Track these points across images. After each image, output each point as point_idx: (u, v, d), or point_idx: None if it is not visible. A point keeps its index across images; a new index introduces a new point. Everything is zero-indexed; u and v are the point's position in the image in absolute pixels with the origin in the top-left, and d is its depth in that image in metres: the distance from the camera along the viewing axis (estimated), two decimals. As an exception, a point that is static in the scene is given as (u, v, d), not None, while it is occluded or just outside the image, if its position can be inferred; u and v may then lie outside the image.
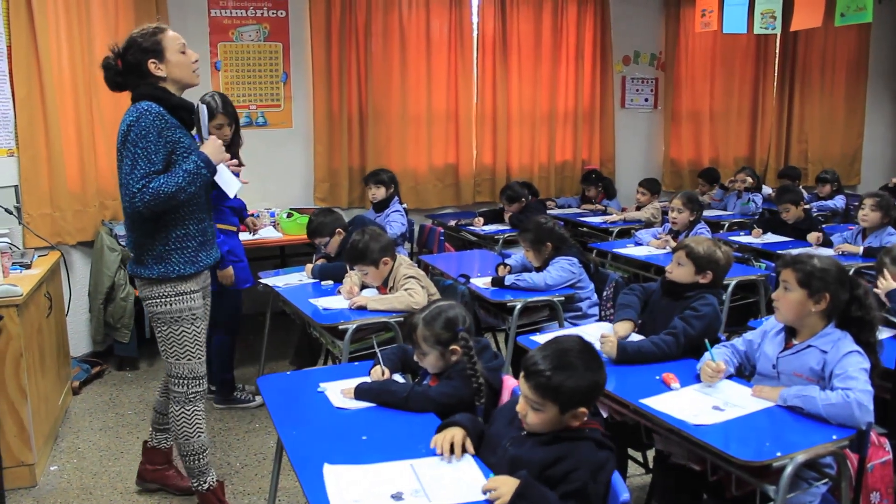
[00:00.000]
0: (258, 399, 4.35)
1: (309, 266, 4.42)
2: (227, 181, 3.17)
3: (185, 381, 3.14)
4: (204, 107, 3.10)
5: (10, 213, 4.19)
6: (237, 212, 4.46)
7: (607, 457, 2.01)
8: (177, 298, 3.02)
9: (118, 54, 2.94)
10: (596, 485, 1.94)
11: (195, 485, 3.24)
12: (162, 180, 2.82)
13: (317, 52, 6.56)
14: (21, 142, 4.69)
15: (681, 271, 3.24)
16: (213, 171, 2.96)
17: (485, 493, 1.91)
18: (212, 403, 4.49)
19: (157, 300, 3.03)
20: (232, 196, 3.26)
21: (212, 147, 2.99)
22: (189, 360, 3.11)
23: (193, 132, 3.12)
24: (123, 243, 5.16)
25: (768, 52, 8.67)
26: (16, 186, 4.58)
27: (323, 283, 4.26)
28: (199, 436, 3.19)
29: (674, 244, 4.48)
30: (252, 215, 5.11)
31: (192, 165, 2.88)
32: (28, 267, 3.98)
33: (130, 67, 2.93)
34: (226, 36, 6.34)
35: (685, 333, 2.95)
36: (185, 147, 2.94)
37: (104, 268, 4.97)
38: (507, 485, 1.88)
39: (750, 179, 7.33)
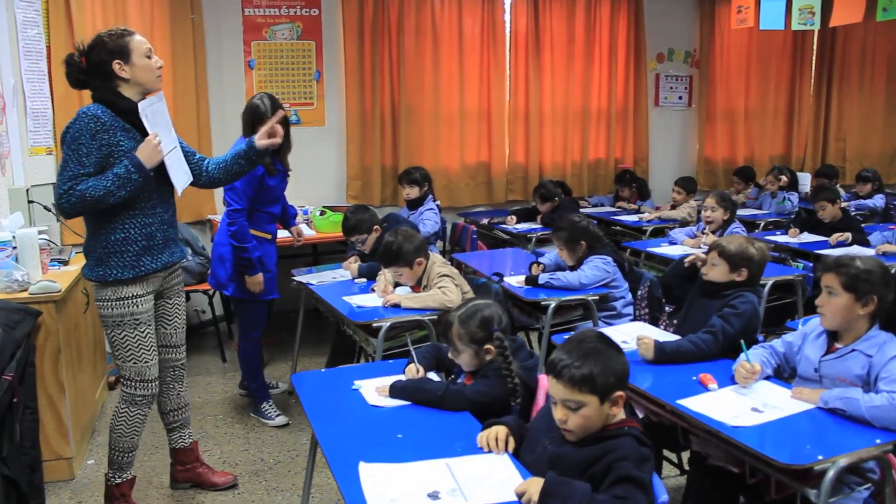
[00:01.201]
0: (279, 419, 4.29)
1: (355, 266, 4.39)
2: (177, 176, 3.10)
3: (132, 383, 3.13)
4: (150, 108, 2.96)
5: (49, 210, 4.25)
6: (277, 218, 4.35)
7: (648, 453, 1.99)
8: (117, 303, 3.00)
9: (83, 52, 2.94)
10: (643, 473, 1.91)
11: (109, 476, 3.23)
12: (90, 183, 2.80)
13: (349, 51, 6.58)
14: (59, 141, 4.76)
15: (716, 271, 3.21)
16: (147, 174, 2.88)
17: (519, 496, 1.90)
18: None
19: (100, 303, 3.03)
20: (179, 193, 3.15)
21: (147, 149, 2.90)
22: (135, 363, 3.09)
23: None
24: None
25: (805, 49, 8.53)
26: (54, 184, 4.63)
27: (356, 280, 4.26)
28: (134, 437, 3.20)
29: (710, 241, 4.43)
30: (296, 217, 4.90)
31: (122, 169, 2.83)
32: (66, 263, 4.03)
33: (94, 66, 2.92)
34: (259, 34, 6.37)
35: (724, 332, 2.92)
36: (125, 151, 2.89)
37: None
38: (536, 485, 1.87)
39: (784, 178, 7.21)
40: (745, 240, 3.25)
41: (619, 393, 2.02)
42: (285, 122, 3.99)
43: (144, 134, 2.93)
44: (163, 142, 2.96)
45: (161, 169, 2.98)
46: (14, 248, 3.57)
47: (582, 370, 2.00)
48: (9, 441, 2.66)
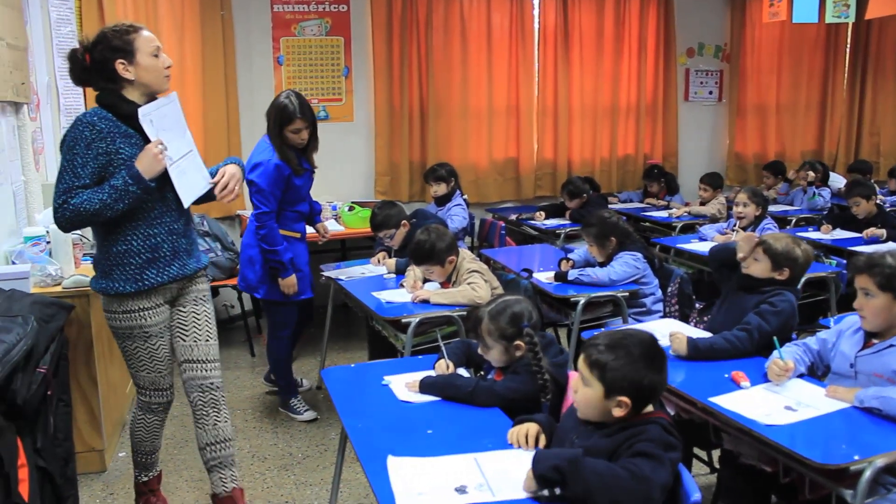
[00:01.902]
0: (307, 414, 4.29)
1: (391, 261, 4.38)
2: (188, 186, 2.84)
3: (147, 392, 3.02)
4: (155, 112, 2.72)
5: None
6: (305, 216, 4.28)
7: (675, 442, 1.96)
8: (124, 315, 2.84)
9: (87, 48, 2.72)
10: (667, 453, 1.88)
11: (137, 474, 3.21)
12: (85, 196, 2.62)
13: (378, 47, 6.58)
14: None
15: (757, 266, 3.17)
16: (146, 186, 2.65)
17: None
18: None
19: (108, 314, 2.88)
20: (186, 205, 2.86)
21: (146, 159, 2.67)
22: (148, 372, 2.96)
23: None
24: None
25: (839, 42, 8.40)
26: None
27: (385, 275, 4.27)
28: (155, 441, 3.14)
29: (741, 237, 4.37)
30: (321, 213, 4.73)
31: (119, 181, 2.63)
32: (98, 258, 4.06)
33: (96, 64, 2.71)
34: (288, 31, 6.40)
35: (760, 329, 2.88)
36: (125, 158, 2.68)
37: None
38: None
39: (812, 174, 7.07)
40: (792, 240, 3.20)
41: (624, 398, 1.97)
42: (312, 121, 4.01)
43: (148, 140, 2.72)
44: (171, 148, 2.73)
45: (167, 177, 2.75)
46: (48, 242, 3.61)
47: (600, 357, 2.00)
48: (43, 433, 2.68)
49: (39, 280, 3.48)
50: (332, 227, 5.64)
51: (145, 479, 3.21)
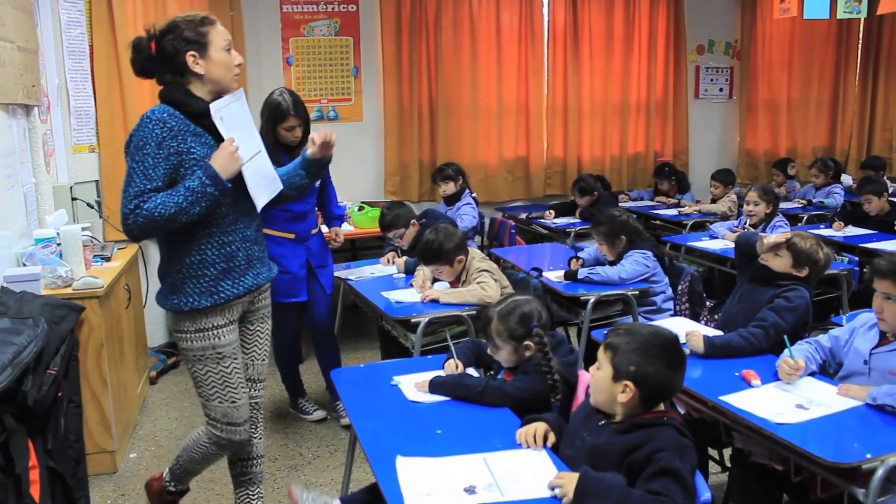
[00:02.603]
0: (317, 414, 4.27)
1: (401, 261, 4.38)
2: (261, 187, 2.68)
3: (219, 426, 2.74)
4: (225, 109, 2.56)
5: (92, 207, 4.32)
6: (300, 217, 4.01)
7: (689, 444, 1.96)
8: (197, 335, 2.62)
9: (153, 36, 2.53)
10: (684, 464, 1.89)
11: (167, 480, 3.01)
12: (159, 200, 2.41)
13: (387, 46, 6.58)
14: (102, 138, 4.86)
15: (778, 261, 3.15)
16: (224, 186, 2.47)
17: (552, 489, 1.88)
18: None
19: (180, 334, 2.66)
20: (259, 208, 2.70)
21: (222, 157, 2.49)
22: (220, 402, 2.70)
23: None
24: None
25: (851, 38, 8.34)
26: (97, 181, 4.73)
27: (395, 275, 4.27)
28: (205, 466, 2.94)
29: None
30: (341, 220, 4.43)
31: (195, 182, 2.43)
32: (108, 259, 4.09)
33: (165, 55, 2.52)
34: (297, 31, 6.41)
35: (776, 326, 2.88)
36: (197, 159, 2.49)
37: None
38: (570, 482, 1.86)
39: (822, 176, 6.98)
40: (817, 242, 3.18)
41: (628, 383, 2.00)
42: (305, 119, 3.92)
43: (219, 139, 2.54)
44: (241, 147, 2.55)
45: (239, 180, 2.56)
46: (58, 244, 3.62)
47: (614, 339, 2.06)
48: (54, 434, 2.69)
49: (50, 282, 3.49)
50: (344, 230, 5.61)
51: (173, 489, 3.02)
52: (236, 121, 2.58)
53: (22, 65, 3.60)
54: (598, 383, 2.08)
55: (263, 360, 2.91)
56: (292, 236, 3.99)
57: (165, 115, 2.48)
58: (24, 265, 3.50)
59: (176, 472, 2.98)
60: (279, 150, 3.87)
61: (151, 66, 2.56)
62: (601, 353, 2.09)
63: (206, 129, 2.54)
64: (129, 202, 2.41)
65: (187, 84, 2.55)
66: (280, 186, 2.77)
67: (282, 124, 3.85)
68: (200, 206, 2.45)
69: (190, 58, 2.50)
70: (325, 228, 4.37)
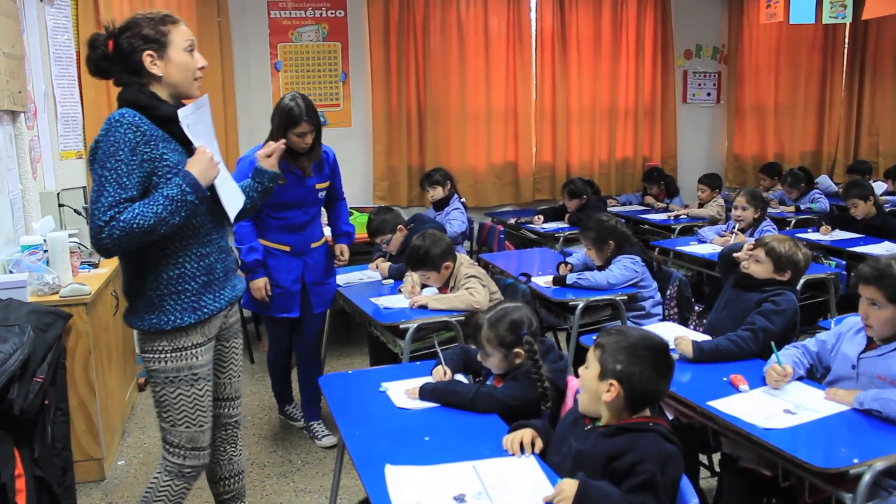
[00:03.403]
0: (301, 423, 4.21)
1: (384, 265, 4.38)
2: (230, 198, 2.53)
3: (181, 451, 2.53)
4: (193, 115, 2.40)
5: (79, 213, 4.29)
6: (297, 229, 3.86)
7: (674, 451, 1.96)
8: (173, 355, 2.43)
9: (111, 34, 2.34)
10: (664, 477, 1.90)
11: None
12: (136, 210, 2.21)
13: (375, 51, 6.59)
14: (89, 144, 4.79)
15: (759, 268, 3.17)
16: (204, 194, 2.32)
17: (549, 502, 1.88)
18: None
19: (151, 355, 2.45)
20: (232, 219, 2.55)
21: (200, 164, 2.33)
22: (188, 427, 2.50)
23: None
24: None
25: (837, 43, 8.40)
26: (84, 188, 4.69)
27: (384, 280, 4.26)
28: None
29: (740, 241, 4.36)
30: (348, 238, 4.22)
31: (174, 190, 2.25)
32: (95, 266, 4.06)
33: (121, 54, 2.33)
34: (285, 37, 6.41)
35: (764, 330, 2.89)
36: (170, 166, 2.31)
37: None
38: (569, 488, 1.85)
39: (793, 190, 6.98)
40: (793, 243, 3.20)
41: (613, 382, 2.02)
42: (317, 126, 3.75)
43: (185, 146, 2.40)
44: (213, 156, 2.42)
45: (210, 189, 2.39)
46: (45, 251, 3.60)
47: (604, 339, 2.09)
48: (41, 443, 2.68)
49: (37, 289, 3.46)
50: (330, 233, 5.59)
51: None
52: (201, 129, 2.44)
53: (8, 71, 3.58)
54: (585, 381, 2.10)
55: (239, 376, 2.76)
56: (287, 248, 3.85)
57: (137, 118, 2.28)
58: (11, 272, 3.47)
59: None
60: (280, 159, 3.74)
61: (106, 66, 2.37)
62: (591, 352, 2.11)
63: (173, 136, 2.37)
64: (102, 214, 2.20)
65: (147, 86, 2.36)
66: (244, 197, 2.63)
67: (293, 130, 3.64)
68: (180, 216, 2.28)
69: (147, 57, 2.32)
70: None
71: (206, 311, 2.45)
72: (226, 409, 2.73)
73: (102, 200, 2.21)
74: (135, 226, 2.20)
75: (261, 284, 3.78)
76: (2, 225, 3.59)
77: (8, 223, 3.67)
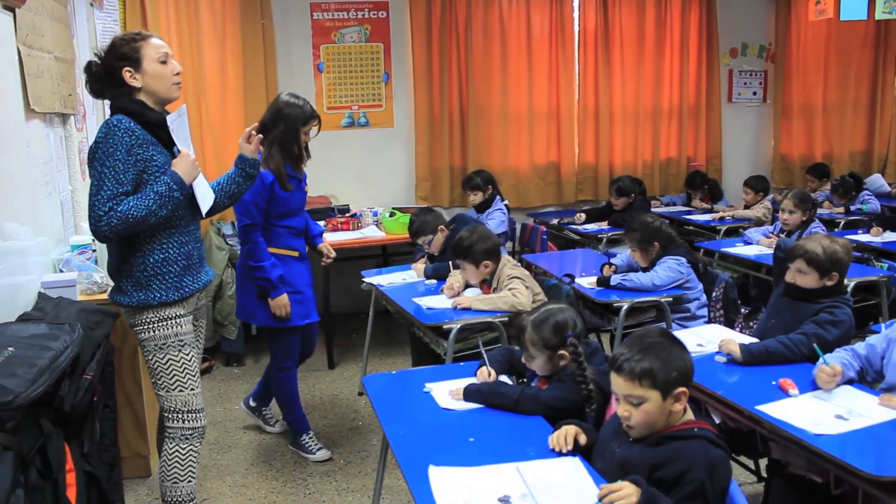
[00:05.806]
0: (320, 454, 3.90)
1: (420, 266, 4.39)
2: (203, 195, 2.91)
3: (180, 415, 2.90)
4: (176, 121, 2.76)
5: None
6: (300, 232, 3.86)
7: (722, 456, 1.93)
8: (160, 324, 2.81)
9: (99, 58, 2.75)
10: (713, 484, 1.86)
11: None
12: (131, 203, 2.61)
13: (417, 52, 6.59)
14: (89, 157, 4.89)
15: (805, 279, 3.04)
16: (186, 191, 2.73)
17: (601, 498, 1.85)
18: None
19: (140, 326, 2.83)
20: (204, 213, 2.91)
21: (184, 165, 2.73)
22: (181, 391, 2.88)
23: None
24: (231, 242, 5.30)
25: (889, 39, 8.16)
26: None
27: (427, 281, 4.26)
28: (190, 481, 2.96)
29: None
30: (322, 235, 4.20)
31: (163, 187, 2.66)
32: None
33: (107, 73, 2.72)
34: (328, 38, 6.43)
35: (819, 336, 2.81)
36: (158, 165, 2.70)
37: (212, 266, 5.11)
38: (632, 491, 1.82)
39: (843, 199, 6.81)
40: (829, 241, 3.06)
41: (682, 389, 1.98)
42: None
43: (169, 149, 2.78)
44: None
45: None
46: (94, 250, 3.66)
47: (642, 364, 1.97)
48: (90, 439, 2.72)
49: (86, 288, 3.53)
50: (374, 232, 5.64)
51: None
52: (181, 133, 2.81)
53: (59, 75, 3.65)
54: (651, 415, 1.98)
55: (202, 355, 3.14)
56: (296, 254, 3.80)
57: (131, 124, 2.65)
58: (61, 271, 3.54)
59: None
60: (285, 161, 3.67)
61: (99, 87, 2.77)
62: (633, 389, 1.98)
63: (159, 140, 2.75)
64: (102, 205, 2.58)
65: (135, 96, 2.73)
66: (213, 195, 2.97)
67: (305, 127, 3.65)
68: (167, 209, 2.68)
69: (126, 73, 2.69)
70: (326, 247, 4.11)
71: (186, 290, 2.85)
72: None
73: (102, 194, 2.60)
74: (129, 216, 2.60)
75: (285, 301, 3.65)
76: (52, 225, 3.65)
77: (58, 223, 3.74)
